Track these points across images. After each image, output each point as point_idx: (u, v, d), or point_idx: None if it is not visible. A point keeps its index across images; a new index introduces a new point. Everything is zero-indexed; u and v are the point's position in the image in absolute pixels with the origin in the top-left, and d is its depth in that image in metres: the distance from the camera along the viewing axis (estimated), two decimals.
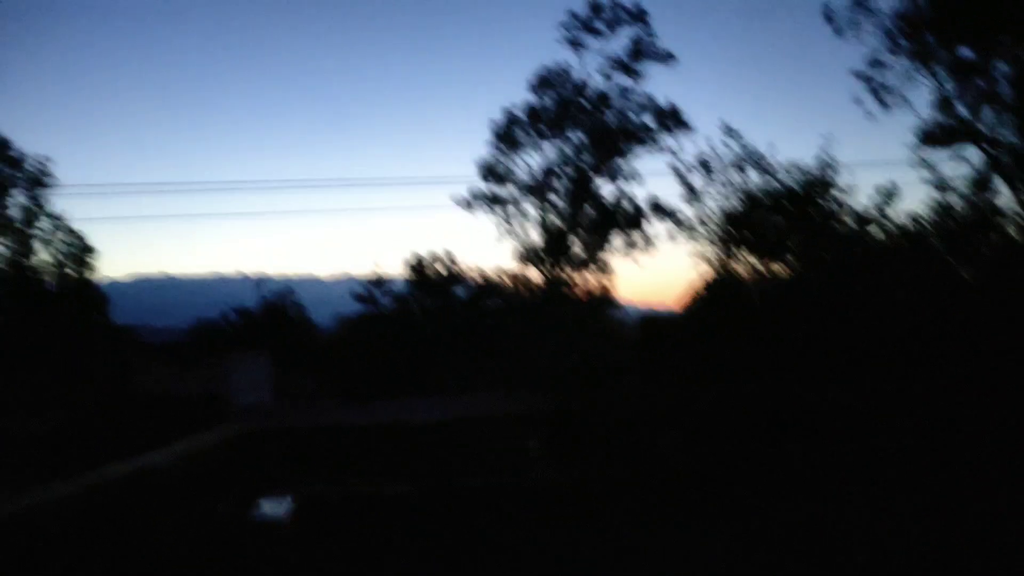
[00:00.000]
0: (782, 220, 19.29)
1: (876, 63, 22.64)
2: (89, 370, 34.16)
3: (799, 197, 19.58)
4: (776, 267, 19.73)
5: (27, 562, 4.64)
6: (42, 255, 39.04)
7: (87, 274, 40.34)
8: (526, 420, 11.32)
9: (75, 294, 39.75)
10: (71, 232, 39.84)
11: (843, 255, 19.71)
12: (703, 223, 19.96)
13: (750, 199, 19.41)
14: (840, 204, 19.75)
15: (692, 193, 19.74)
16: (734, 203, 19.53)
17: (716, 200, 19.84)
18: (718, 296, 20.06)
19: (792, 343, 18.35)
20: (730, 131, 19.26)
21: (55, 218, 39.31)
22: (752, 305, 19.74)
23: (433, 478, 10.33)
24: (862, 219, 19.72)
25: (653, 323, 24.34)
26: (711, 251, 19.99)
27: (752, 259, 19.69)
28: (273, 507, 8.28)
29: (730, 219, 19.52)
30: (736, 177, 19.55)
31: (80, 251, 40.05)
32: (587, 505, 10.40)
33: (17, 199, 38.39)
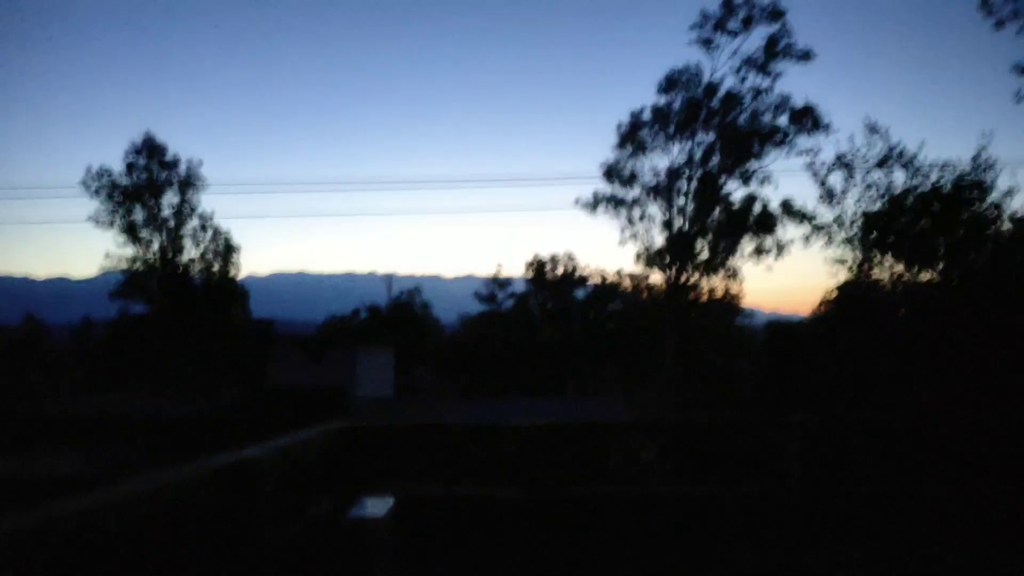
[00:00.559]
0: (930, 224, 17.72)
1: None
2: (229, 361, 36.04)
3: (950, 199, 17.93)
4: (922, 274, 18.16)
5: (114, 552, 4.63)
6: (191, 252, 41.69)
7: (231, 270, 42.75)
8: (644, 428, 10.77)
9: (219, 289, 42.15)
10: (217, 231, 42.34)
11: (1000, 263, 17.92)
12: (841, 226, 18.57)
13: (895, 200, 17.94)
14: (998, 207, 17.98)
15: (830, 194, 18.40)
16: (877, 205, 18.09)
17: (857, 201, 18.42)
18: (855, 303, 18.67)
19: (937, 357, 16.83)
20: (874, 128, 17.82)
21: (204, 217, 41.93)
22: (893, 314, 18.28)
23: (543, 483, 9.92)
24: (1022, 224, 17.90)
25: (781, 330, 23.02)
26: (849, 255, 18.57)
27: (895, 265, 18.19)
28: (374, 507, 8.11)
29: (872, 222, 18.10)
30: (880, 177, 18.09)
31: (225, 248, 42.48)
32: (704, 521, 9.73)
33: (170, 199, 41.23)
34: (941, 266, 19.06)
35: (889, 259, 18.96)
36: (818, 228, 19.03)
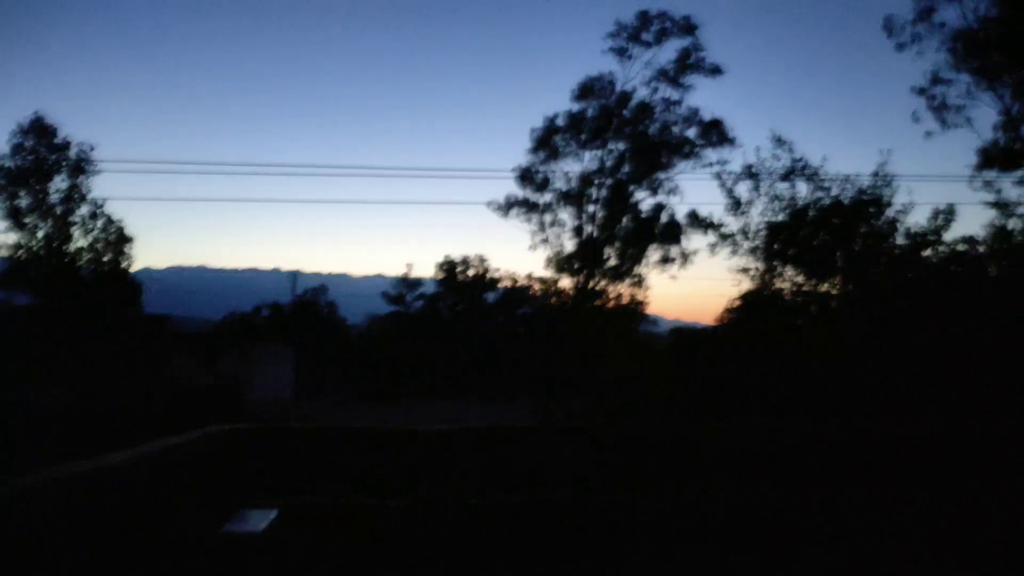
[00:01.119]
0: (831, 236, 18.04)
1: (937, 80, 21.33)
2: (118, 357, 33.87)
3: (850, 213, 18.32)
4: (822, 286, 18.46)
5: None
6: (80, 241, 38.99)
7: (123, 261, 40.16)
8: (550, 433, 10.32)
9: (110, 281, 39.57)
10: (109, 219, 39.69)
11: (894, 276, 18.38)
12: (746, 236, 18.68)
13: (798, 213, 18.18)
14: (894, 222, 18.47)
15: (736, 205, 18.48)
16: (780, 216, 18.28)
17: (761, 213, 18.57)
18: (756, 311, 18.84)
19: (832, 364, 17.09)
20: (780, 141, 17.96)
21: (95, 204, 39.25)
22: (792, 323, 18.52)
23: (444, 492, 9.32)
24: (916, 239, 18.41)
25: (685, 336, 23.14)
26: (752, 266, 18.71)
27: (796, 276, 18.41)
28: (254, 520, 7.35)
29: (775, 233, 18.29)
30: (784, 190, 18.29)
31: (117, 238, 39.86)
32: (610, 530, 9.33)
33: (58, 184, 38.47)
34: (839, 278, 19.50)
35: (791, 269, 19.25)
36: (724, 237, 19.18)
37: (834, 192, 18.14)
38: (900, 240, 18.83)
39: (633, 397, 17.57)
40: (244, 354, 29.60)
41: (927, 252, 18.78)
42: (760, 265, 18.72)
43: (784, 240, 18.54)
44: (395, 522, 8.80)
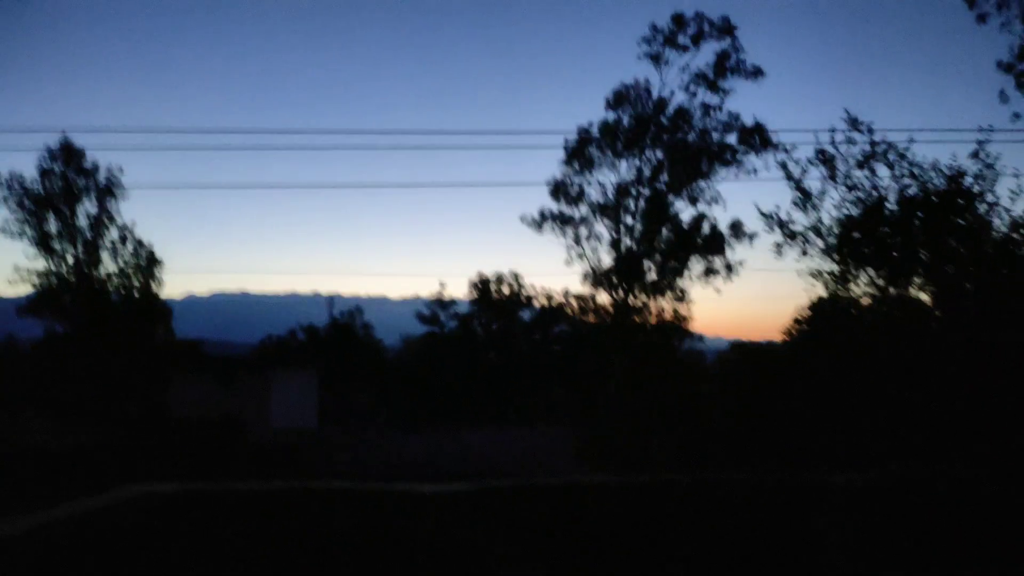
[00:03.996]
0: (917, 231, 14.63)
1: None
2: (138, 385, 31.57)
3: (939, 205, 14.81)
4: (907, 291, 15.01)
5: None
6: (110, 266, 37.03)
7: (154, 286, 38.16)
8: (604, 492, 7.23)
9: (140, 306, 37.57)
10: (139, 243, 37.76)
11: (992, 277, 14.81)
12: (818, 233, 15.27)
13: (877, 205, 14.76)
14: (990, 216, 14.99)
15: (805, 198, 15.06)
16: (857, 210, 14.90)
17: (837, 206, 15.16)
18: (828, 324, 15.46)
19: (924, 386, 13.65)
20: (856, 122, 14.51)
21: (124, 228, 37.39)
22: (873, 335, 15.10)
23: None
24: (1017, 233, 14.93)
25: (746, 353, 19.85)
26: (826, 268, 15.27)
27: (877, 279, 14.98)
28: None
29: (851, 228, 14.86)
30: (862, 178, 14.88)
31: (147, 262, 37.93)
32: None
33: (87, 208, 36.62)
34: (922, 281, 16.19)
35: (868, 273, 16.01)
36: (792, 236, 15.99)
37: (923, 178, 14.79)
38: (998, 235, 15.30)
39: (686, 422, 14.40)
40: (266, 380, 27.00)
41: None
42: (834, 268, 15.34)
43: (861, 238, 15.13)
44: None
